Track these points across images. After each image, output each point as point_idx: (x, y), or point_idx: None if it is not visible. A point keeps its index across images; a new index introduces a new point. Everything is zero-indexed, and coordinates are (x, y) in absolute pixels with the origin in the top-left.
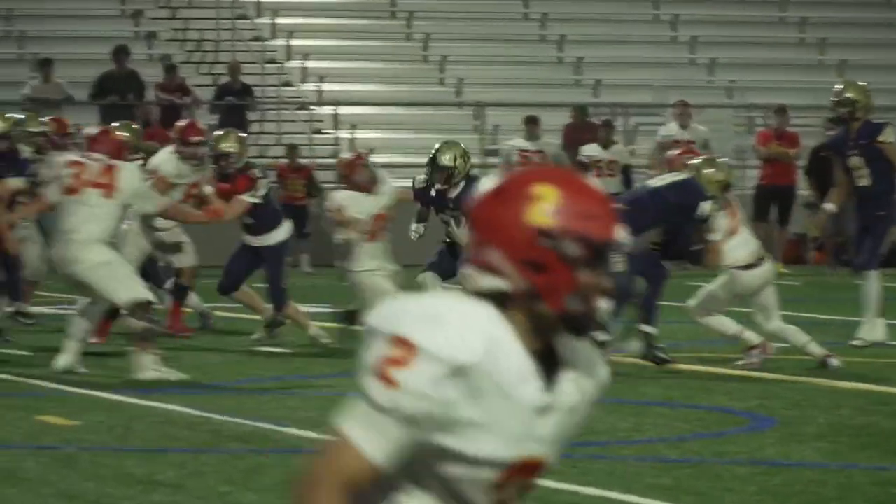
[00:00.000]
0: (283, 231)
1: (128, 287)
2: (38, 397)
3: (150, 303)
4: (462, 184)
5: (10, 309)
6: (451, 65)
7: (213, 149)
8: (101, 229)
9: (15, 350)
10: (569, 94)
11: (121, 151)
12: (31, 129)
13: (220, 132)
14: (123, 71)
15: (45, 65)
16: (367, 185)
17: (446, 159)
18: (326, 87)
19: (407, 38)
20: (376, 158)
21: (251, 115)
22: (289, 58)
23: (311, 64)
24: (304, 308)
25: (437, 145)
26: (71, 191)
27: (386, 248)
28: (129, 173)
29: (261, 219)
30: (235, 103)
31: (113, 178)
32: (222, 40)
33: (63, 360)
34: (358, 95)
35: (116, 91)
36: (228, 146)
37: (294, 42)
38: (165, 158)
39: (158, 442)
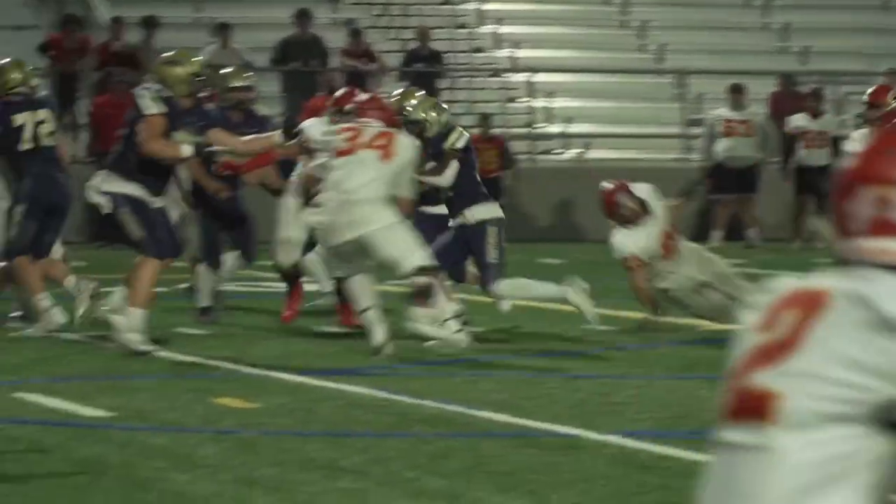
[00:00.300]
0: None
1: (411, 252)
2: (215, 379)
3: (433, 268)
4: (437, 139)
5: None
6: (651, 30)
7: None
8: (382, 190)
9: (190, 329)
10: (775, 61)
11: (394, 118)
12: (234, 84)
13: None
14: (306, 36)
15: (222, 29)
16: (636, 216)
17: (415, 113)
18: (520, 53)
19: (605, 2)
20: (573, 128)
21: (441, 83)
22: (481, 23)
23: (504, 29)
24: None
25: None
26: (344, 153)
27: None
28: (406, 141)
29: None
30: (424, 70)
31: (390, 143)
32: (410, 4)
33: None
34: (553, 62)
35: (298, 57)
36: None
37: (486, 6)
38: (312, 123)
39: (342, 425)
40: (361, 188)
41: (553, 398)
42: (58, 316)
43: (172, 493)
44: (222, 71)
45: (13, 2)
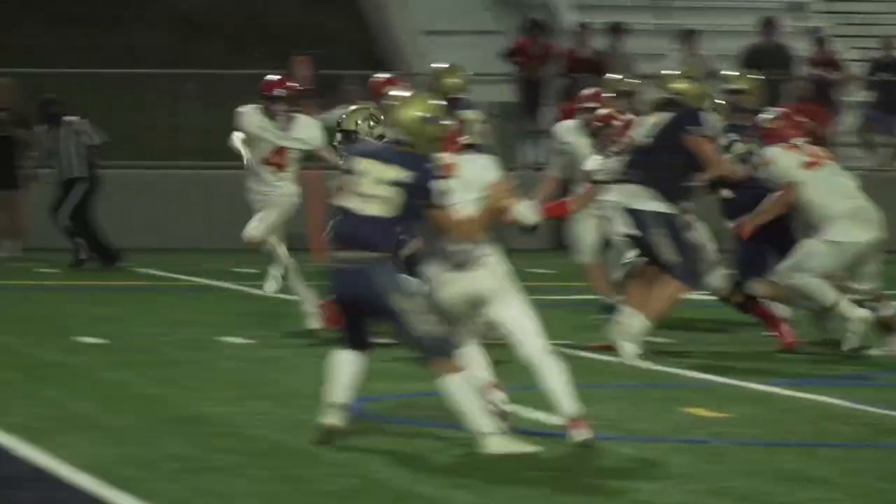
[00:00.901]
0: None
1: None
2: (686, 388)
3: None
4: None
5: None
6: None
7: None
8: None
9: (661, 338)
10: None
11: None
12: (733, 87)
13: (733, 73)
14: (770, 44)
15: (688, 36)
16: None
17: (347, 122)
18: None
19: None
20: None
21: None
22: None
23: None
24: None
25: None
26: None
27: None
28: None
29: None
30: (889, 79)
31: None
32: (875, 13)
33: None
34: None
35: (764, 65)
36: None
37: None
38: (566, 127)
39: (813, 436)
40: (858, 192)
41: None
42: None
43: (640, 502)
44: (722, 72)
45: (476, 6)
